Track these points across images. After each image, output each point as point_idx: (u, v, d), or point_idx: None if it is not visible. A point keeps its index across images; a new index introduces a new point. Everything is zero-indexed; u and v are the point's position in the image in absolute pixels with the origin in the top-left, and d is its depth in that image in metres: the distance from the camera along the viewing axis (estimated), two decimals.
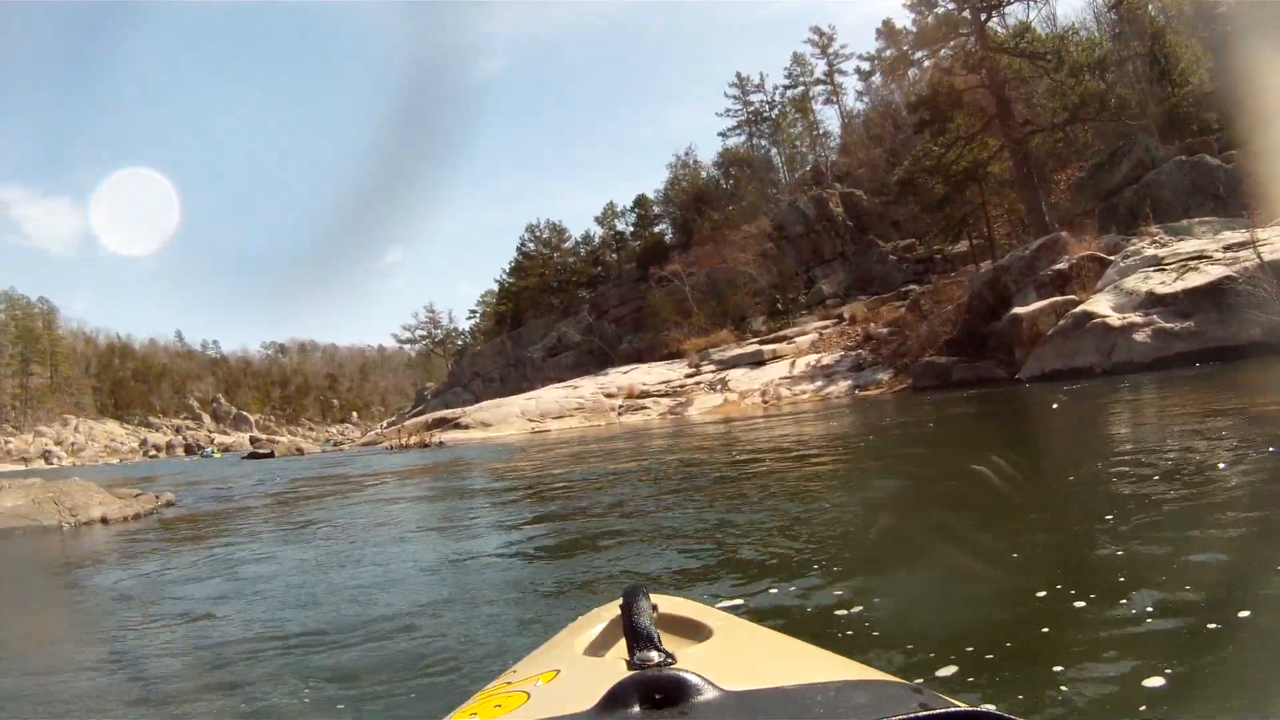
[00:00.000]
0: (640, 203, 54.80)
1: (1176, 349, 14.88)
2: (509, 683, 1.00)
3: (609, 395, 33.50)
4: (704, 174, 52.67)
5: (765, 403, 27.28)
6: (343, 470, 18.81)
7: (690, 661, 0.88)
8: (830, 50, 51.96)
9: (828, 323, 34.45)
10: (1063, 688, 2.30)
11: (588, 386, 35.15)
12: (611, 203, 57.06)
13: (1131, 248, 19.45)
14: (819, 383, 27.50)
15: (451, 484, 13.03)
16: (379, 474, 16.41)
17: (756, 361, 32.37)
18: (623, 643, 1.00)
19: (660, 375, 35.28)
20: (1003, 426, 11.46)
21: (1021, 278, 20.97)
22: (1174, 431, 7.43)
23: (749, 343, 35.32)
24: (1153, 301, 15.98)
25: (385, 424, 48.75)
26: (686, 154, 53.80)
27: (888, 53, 43.15)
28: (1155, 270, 17.14)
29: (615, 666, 0.88)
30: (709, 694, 0.72)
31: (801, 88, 52.28)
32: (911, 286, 33.71)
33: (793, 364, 30.70)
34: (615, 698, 0.73)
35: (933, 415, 13.92)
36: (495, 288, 62.67)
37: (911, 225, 40.02)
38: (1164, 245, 18.59)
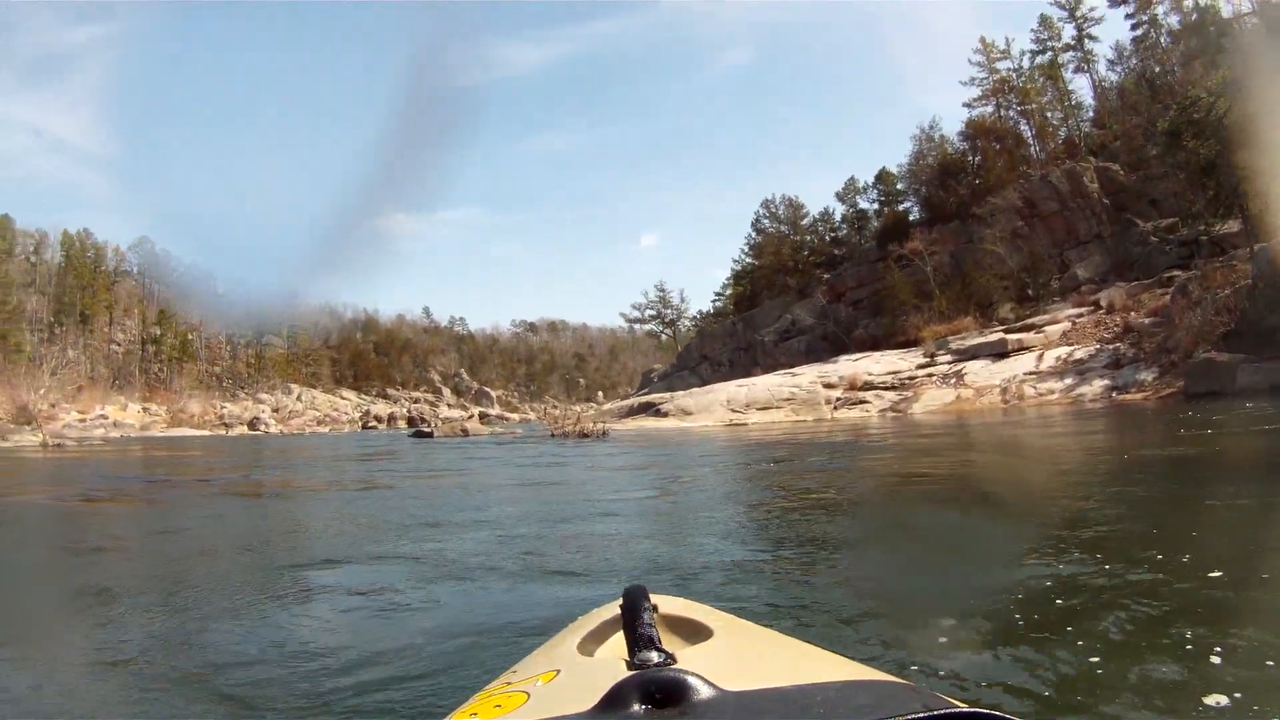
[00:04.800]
0: (883, 177, 52.46)
1: None
2: (509, 683, 1.01)
3: (828, 385, 31.68)
4: (949, 147, 49.67)
5: (1005, 402, 25.36)
6: (418, 466, 15.48)
7: (690, 661, 0.90)
8: (1079, 14, 47.79)
9: (1082, 311, 31.77)
10: None
11: (806, 375, 33.65)
12: (853, 177, 54.81)
13: None
14: (1069, 380, 25.45)
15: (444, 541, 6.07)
16: (435, 471, 13.52)
17: (999, 353, 30.41)
18: (623, 643, 1.02)
19: (889, 365, 33.67)
20: None
21: None
22: None
23: (992, 331, 33.22)
24: None
25: (614, 404, 48.18)
26: (931, 126, 51.10)
27: None
28: None
29: (615, 666, 0.89)
30: (709, 694, 0.73)
31: (1050, 54, 48.55)
32: (1175, 272, 30.28)
33: (1040, 357, 28.69)
34: (615, 698, 0.74)
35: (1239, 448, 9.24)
36: (736, 269, 61.11)
37: (1172, 203, 36.36)
38: None
